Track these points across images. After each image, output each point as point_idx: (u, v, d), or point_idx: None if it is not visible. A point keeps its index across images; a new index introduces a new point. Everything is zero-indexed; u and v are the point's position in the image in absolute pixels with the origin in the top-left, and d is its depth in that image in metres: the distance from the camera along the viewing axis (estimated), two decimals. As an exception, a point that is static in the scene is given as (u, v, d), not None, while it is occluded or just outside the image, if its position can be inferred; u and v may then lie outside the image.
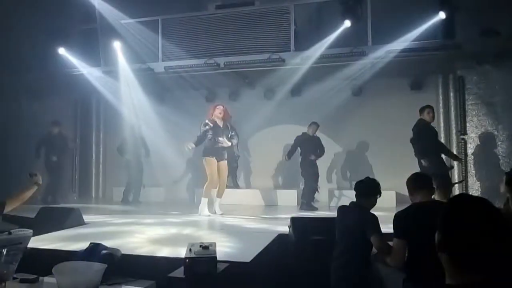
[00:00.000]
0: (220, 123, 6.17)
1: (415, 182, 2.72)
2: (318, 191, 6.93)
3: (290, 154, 7.06)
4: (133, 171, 7.76)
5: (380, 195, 3.11)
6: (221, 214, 6.05)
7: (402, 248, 2.41)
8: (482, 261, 1.06)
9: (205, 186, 6.05)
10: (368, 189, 3.11)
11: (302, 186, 7.10)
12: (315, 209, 6.65)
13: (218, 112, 6.18)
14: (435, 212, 2.39)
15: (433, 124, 6.19)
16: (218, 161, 6.05)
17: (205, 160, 6.03)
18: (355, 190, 3.17)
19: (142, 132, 7.98)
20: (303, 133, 7.05)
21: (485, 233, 1.06)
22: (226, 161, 6.19)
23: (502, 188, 3.93)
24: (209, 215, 5.93)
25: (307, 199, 6.76)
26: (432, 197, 3.06)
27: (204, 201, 6.00)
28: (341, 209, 3.25)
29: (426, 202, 2.61)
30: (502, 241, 1.06)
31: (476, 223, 1.08)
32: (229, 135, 6.23)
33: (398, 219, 2.51)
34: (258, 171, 8.43)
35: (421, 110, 5.97)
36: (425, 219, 2.38)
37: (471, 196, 1.20)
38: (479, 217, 1.09)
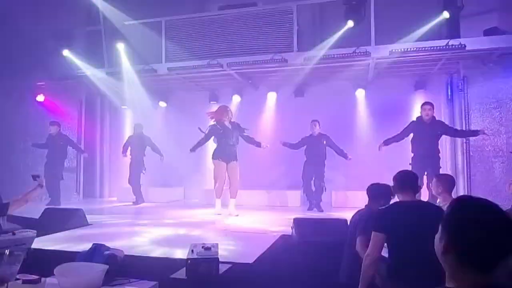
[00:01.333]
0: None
1: (405, 181, 2.69)
2: (305, 193, 6.93)
3: (293, 146, 6.98)
4: (133, 171, 7.77)
5: (392, 197, 3.10)
6: (236, 215, 6.10)
7: (378, 242, 2.40)
8: (490, 260, 1.06)
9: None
10: (374, 193, 3.12)
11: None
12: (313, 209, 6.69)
13: None
14: (419, 212, 2.40)
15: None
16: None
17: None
18: (366, 193, 3.20)
19: (146, 133, 7.97)
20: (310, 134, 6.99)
21: (492, 232, 1.06)
22: (235, 162, 6.30)
23: (510, 188, 3.91)
24: (219, 214, 6.15)
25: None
26: (437, 200, 3.03)
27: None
28: (355, 213, 3.21)
29: (409, 202, 2.58)
30: (508, 239, 1.06)
31: (483, 223, 1.07)
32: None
33: (379, 214, 2.53)
34: (260, 172, 8.42)
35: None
36: (408, 219, 2.38)
37: (473, 197, 1.19)
38: (486, 216, 1.08)
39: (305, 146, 6.95)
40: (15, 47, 7.84)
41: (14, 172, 8.07)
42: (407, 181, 2.67)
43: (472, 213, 1.10)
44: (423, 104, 5.93)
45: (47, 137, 7.70)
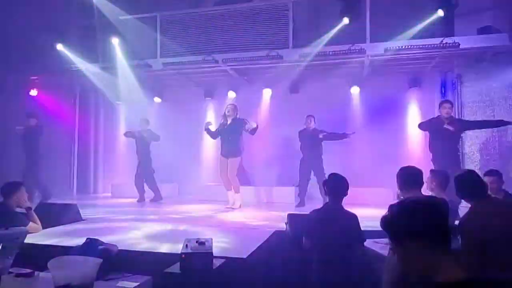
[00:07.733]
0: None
1: (409, 176, 2.66)
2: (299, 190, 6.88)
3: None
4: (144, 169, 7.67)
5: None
6: (227, 207, 6.38)
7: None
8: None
9: None
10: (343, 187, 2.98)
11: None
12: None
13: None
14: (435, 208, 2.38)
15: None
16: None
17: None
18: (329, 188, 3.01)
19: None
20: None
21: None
22: (233, 159, 6.34)
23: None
24: (230, 207, 6.37)
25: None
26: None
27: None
28: (319, 213, 3.03)
29: (422, 198, 2.54)
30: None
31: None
32: None
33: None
34: (255, 168, 8.43)
35: None
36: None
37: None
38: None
39: (300, 143, 6.94)
40: (8, 41, 7.76)
41: (10, 168, 8.00)
42: (412, 177, 2.62)
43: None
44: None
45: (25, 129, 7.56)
